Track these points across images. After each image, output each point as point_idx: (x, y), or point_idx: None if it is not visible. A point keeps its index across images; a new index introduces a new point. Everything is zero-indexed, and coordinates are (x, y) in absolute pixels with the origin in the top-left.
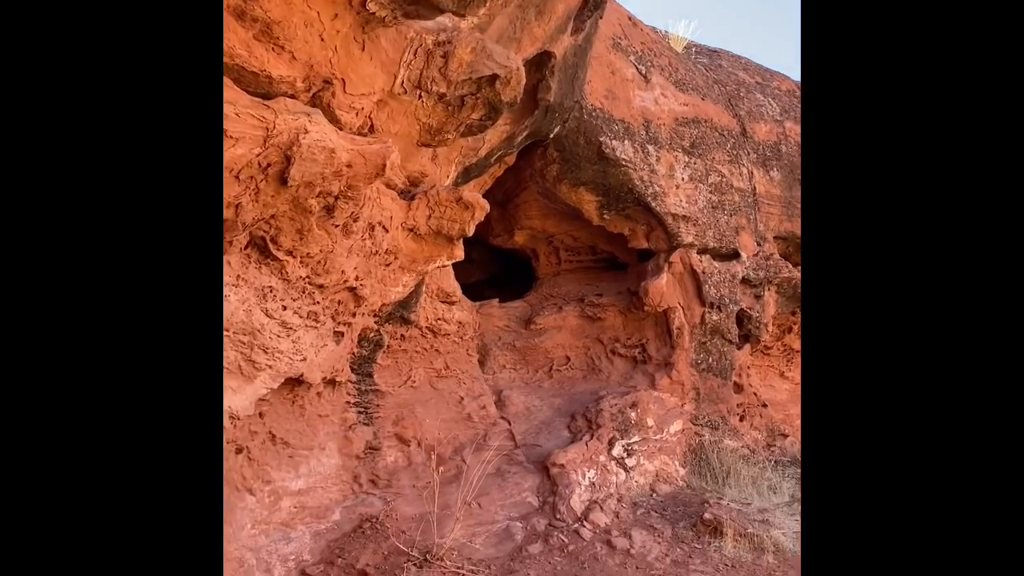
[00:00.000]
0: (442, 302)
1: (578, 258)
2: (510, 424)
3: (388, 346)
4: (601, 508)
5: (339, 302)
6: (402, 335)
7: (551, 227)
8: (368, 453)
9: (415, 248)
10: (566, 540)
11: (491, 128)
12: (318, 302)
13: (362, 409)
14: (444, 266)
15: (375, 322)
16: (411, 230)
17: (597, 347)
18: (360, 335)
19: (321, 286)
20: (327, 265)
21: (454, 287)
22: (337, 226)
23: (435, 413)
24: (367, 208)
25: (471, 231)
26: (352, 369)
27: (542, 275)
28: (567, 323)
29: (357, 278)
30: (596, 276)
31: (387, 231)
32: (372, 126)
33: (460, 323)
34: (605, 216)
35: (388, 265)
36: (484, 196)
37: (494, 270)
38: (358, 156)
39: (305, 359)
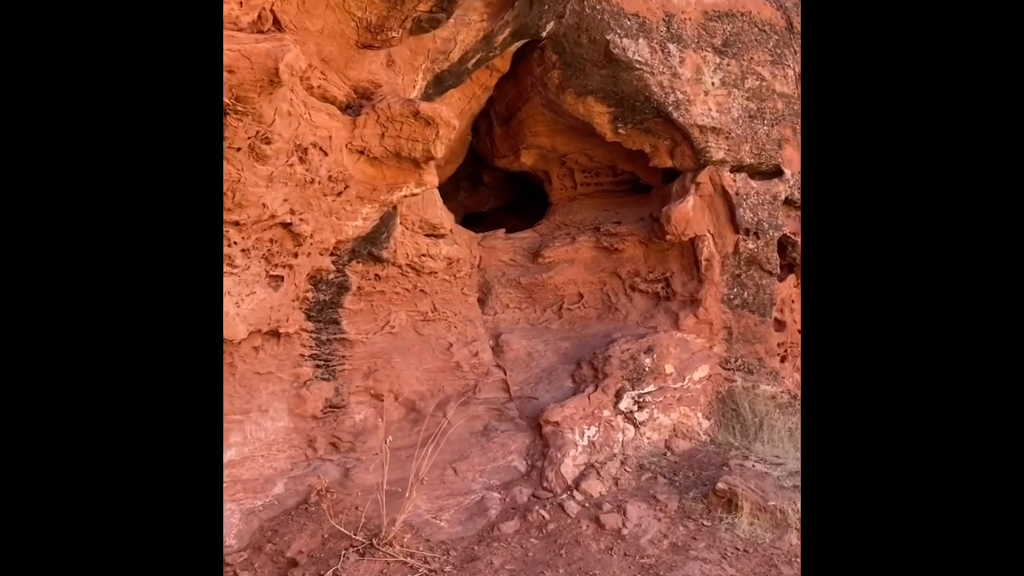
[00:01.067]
0: (427, 235)
1: (596, 180)
2: (506, 373)
3: (359, 288)
4: (598, 474)
5: (271, 241)
6: (376, 275)
7: (562, 145)
8: (329, 412)
9: (373, 174)
10: (547, 516)
11: (453, 24)
12: (235, 243)
13: (322, 362)
14: (413, 194)
15: (333, 262)
16: (361, 152)
17: (614, 282)
18: (314, 277)
19: (236, 223)
20: (237, 198)
21: (442, 218)
22: (238, 149)
23: (417, 362)
24: (287, 126)
25: (439, 152)
26: (309, 317)
27: (556, 201)
28: (580, 255)
29: (292, 212)
30: (617, 201)
31: (326, 154)
32: (276, 21)
33: (450, 259)
34: (620, 131)
35: (339, 195)
36: (485, 111)
37: (509, 196)
38: (240, 59)
39: None
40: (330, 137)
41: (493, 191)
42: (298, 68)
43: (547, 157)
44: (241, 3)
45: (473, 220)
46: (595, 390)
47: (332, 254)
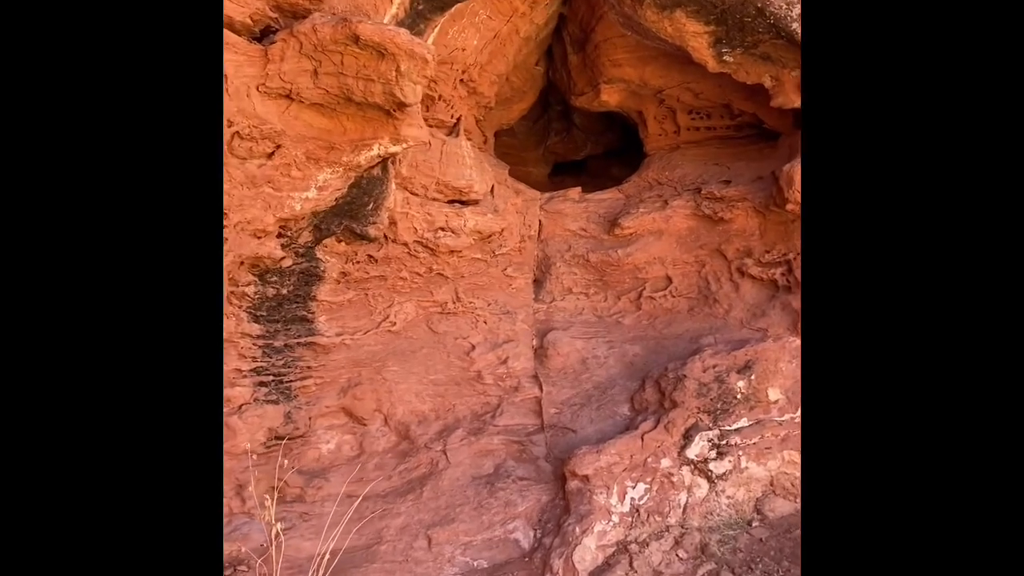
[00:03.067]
0: (448, 203)
1: (707, 124)
2: (542, 389)
3: (344, 275)
4: (631, 564)
5: None
6: (370, 257)
7: (654, 78)
8: (272, 446)
9: (324, 127)
10: None
11: None
12: None
13: (270, 377)
14: (390, 153)
15: (284, 245)
16: (288, 97)
17: (716, 263)
18: (255, 267)
19: None
20: None
21: (471, 178)
22: None
23: (423, 370)
24: None
25: (409, 95)
26: (256, 318)
27: (652, 150)
28: (673, 226)
29: None
30: (731, 153)
31: (228, 98)
32: None
33: (482, 233)
34: (726, 57)
35: (268, 158)
36: (557, 32)
37: (611, 139)
38: None
39: None
40: (228, 76)
41: (588, 134)
42: None
43: (637, 93)
44: None
45: (568, 169)
46: (654, 427)
47: (280, 236)
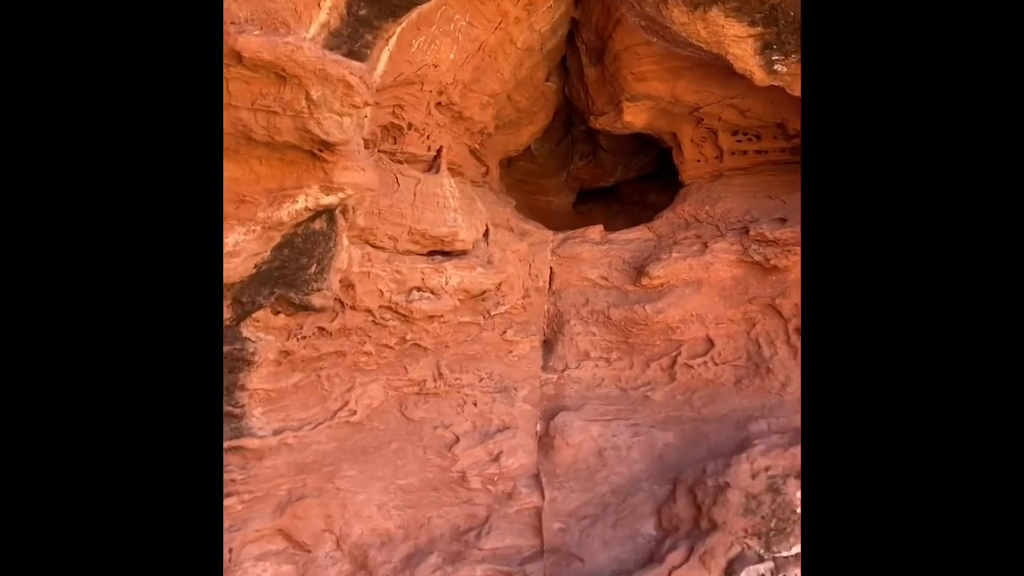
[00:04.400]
0: (426, 255)
1: (756, 146)
2: (544, 496)
3: (286, 354)
4: None
5: None
6: (321, 330)
7: (686, 93)
8: None
9: (230, 174)
10: None
11: None
12: None
13: None
14: (322, 207)
15: None
16: None
17: (769, 322)
18: None
19: None
20: None
21: (456, 224)
22: None
23: (389, 473)
24: None
25: (338, 131)
26: None
27: (689, 178)
28: (714, 275)
29: None
30: (786, 182)
31: None
32: None
33: (470, 292)
34: (777, 67)
35: None
36: (571, 39)
37: (646, 162)
38: None
39: None
40: None
41: (618, 157)
42: None
43: (668, 112)
44: None
45: (596, 196)
46: (686, 558)
47: None
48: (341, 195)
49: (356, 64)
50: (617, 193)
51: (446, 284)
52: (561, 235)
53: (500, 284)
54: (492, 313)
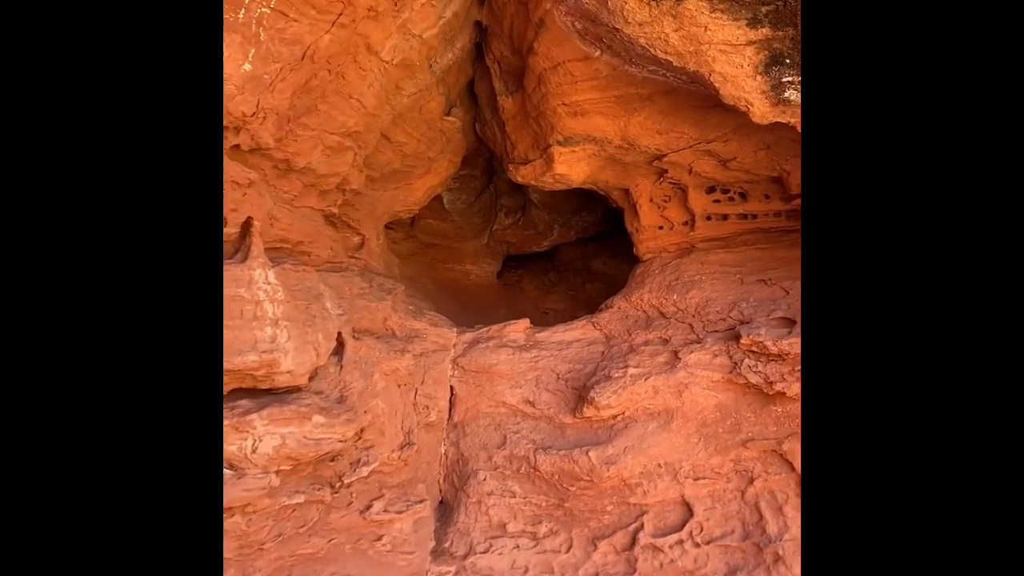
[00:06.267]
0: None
1: (741, 209)
2: None
3: None
4: None
5: None
6: None
7: (644, 133)
8: None
9: None
10: None
11: None
12: None
13: None
14: None
15: None
16: None
17: (774, 478)
18: None
19: None
20: None
21: (274, 347)
22: None
23: None
24: None
25: None
26: None
27: (648, 252)
28: (690, 403)
29: None
30: (784, 260)
31: None
32: None
33: (298, 460)
34: (789, 93)
35: None
36: (480, 59)
37: (589, 220)
38: None
39: None
40: None
41: (555, 214)
42: None
43: (619, 161)
44: None
45: (527, 262)
46: None
47: None
48: None
49: None
50: (554, 258)
51: (253, 451)
52: (469, 334)
53: (360, 433)
54: (346, 481)
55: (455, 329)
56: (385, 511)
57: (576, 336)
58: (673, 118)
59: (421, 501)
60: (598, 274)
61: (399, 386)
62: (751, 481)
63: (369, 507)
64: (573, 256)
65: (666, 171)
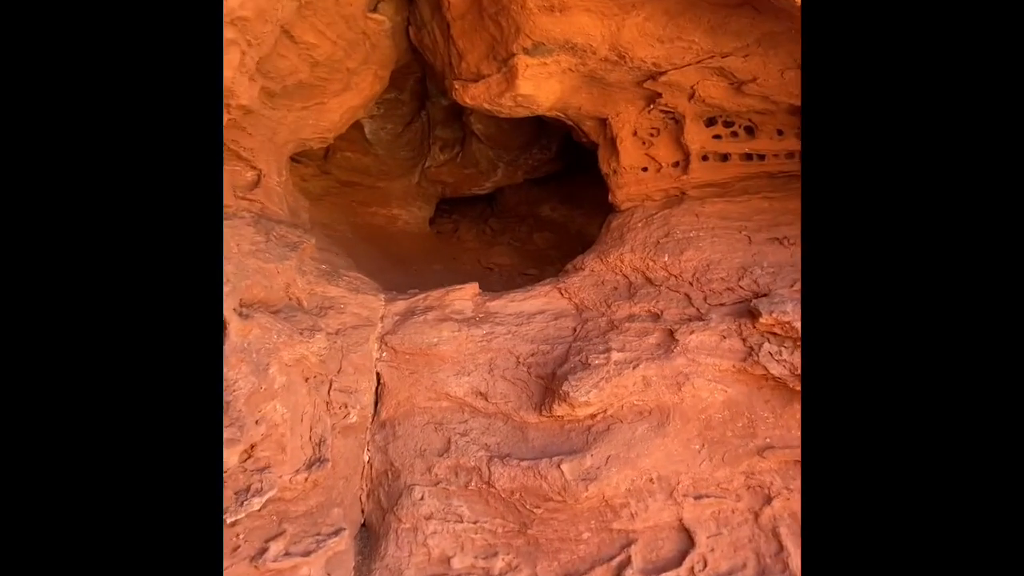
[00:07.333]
0: None
1: (746, 147)
2: None
3: None
4: None
5: None
6: None
7: (641, 41)
8: None
9: None
10: None
11: None
12: None
13: None
14: None
15: None
16: None
17: (792, 497)
18: None
19: None
20: None
21: None
22: None
23: None
24: None
25: None
26: None
27: (626, 199)
28: (691, 399)
29: None
30: (797, 209)
31: None
32: None
33: None
34: None
35: None
36: None
37: (541, 158)
38: None
39: None
40: None
41: (499, 150)
42: None
43: (599, 80)
44: None
45: (464, 206)
46: None
47: None
48: None
49: None
50: (495, 202)
51: None
52: (401, 303)
53: (250, 451)
54: (229, 520)
55: (382, 295)
56: (286, 554)
57: (539, 306)
58: (682, 21)
59: (337, 532)
60: (547, 222)
61: (307, 380)
62: (768, 500)
63: (264, 551)
64: (517, 200)
65: (659, 95)
